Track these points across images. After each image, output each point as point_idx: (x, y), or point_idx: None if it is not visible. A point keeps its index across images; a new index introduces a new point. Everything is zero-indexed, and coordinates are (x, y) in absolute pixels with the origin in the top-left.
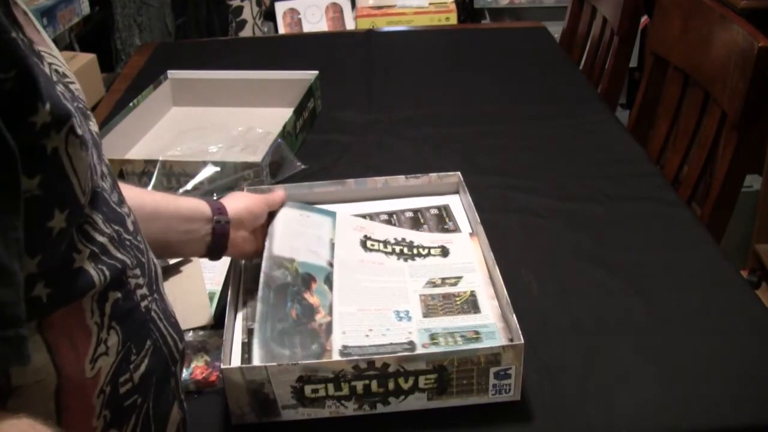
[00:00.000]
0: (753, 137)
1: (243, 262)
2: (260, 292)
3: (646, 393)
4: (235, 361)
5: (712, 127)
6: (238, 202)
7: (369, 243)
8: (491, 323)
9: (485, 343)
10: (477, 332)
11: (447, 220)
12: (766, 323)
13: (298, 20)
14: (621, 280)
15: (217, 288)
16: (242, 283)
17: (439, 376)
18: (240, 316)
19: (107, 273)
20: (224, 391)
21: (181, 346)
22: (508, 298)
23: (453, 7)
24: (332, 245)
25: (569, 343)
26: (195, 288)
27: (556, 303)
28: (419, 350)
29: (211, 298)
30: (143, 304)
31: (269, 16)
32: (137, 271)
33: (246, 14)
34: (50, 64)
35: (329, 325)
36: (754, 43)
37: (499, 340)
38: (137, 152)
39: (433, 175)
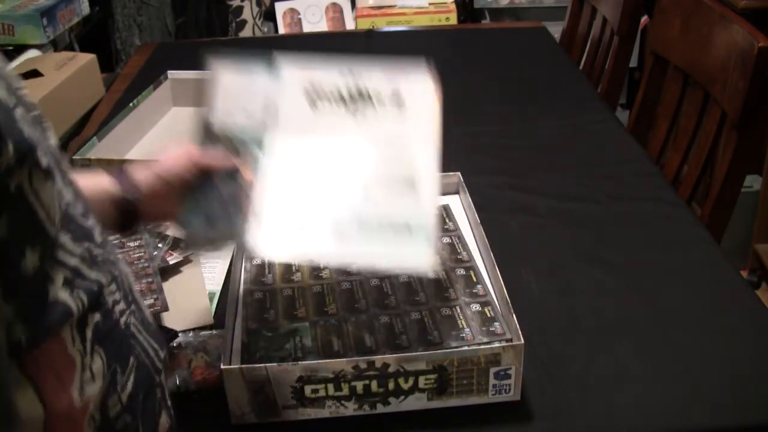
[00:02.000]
0: (753, 137)
1: (243, 263)
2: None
3: (646, 393)
4: (235, 361)
5: (712, 127)
6: (147, 173)
7: (315, 95)
8: (425, 213)
9: (413, 242)
10: (408, 225)
11: (447, 221)
12: (766, 323)
13: (298, 20)
14: (621, 280)
15: (217, 288)
16: (242, 283)
17: (439, 376)
18: (240, 316)
19: (84, 298)
20: (224, 391)
21: (162, 354)
22: (508, 298)
23: (453, 7)
24: (275, 109)
25: (569, 343)
26: (195, 288)
27: (556, 303)
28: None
29: (211, 298)
30: (122, 320)
31: (269, 16)
32: (113, 287)
33: (246, 14)
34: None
35: (259, 197)
36: (754, 43)
37: (425, 245)
38: (137, 152)
39: None
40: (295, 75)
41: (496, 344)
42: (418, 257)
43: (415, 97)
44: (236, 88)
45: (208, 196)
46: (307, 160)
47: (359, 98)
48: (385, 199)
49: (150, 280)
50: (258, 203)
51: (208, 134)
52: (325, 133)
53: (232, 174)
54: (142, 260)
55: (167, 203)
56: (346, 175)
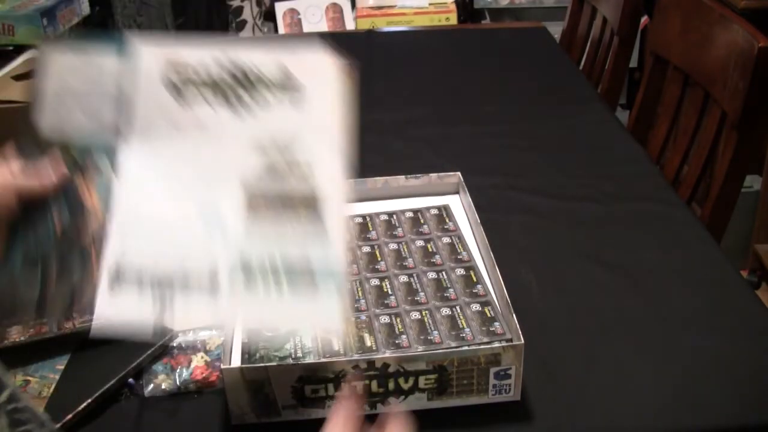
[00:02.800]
0: (753, 137)
1: None
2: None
3: (646, 393)
4: (235, 361)
5: (712, 127)
6: None
7: (181, 83)
8: (333, 255)
9: (321, 295)
10: (311, 272)
11: (447, 221)
12: (766, 323)
13: (298, 20)
14: (621, 280)
15: None
16: None
17: (439, 376)
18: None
19: None
20: (224, 391)
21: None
22: (508, 298)
23: (453, 7)
24: (130, 102)
25: (569, 343)
26: None
27: (556, 303)
28: (223, 294)
29: None
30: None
31: (269, 16)
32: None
33: (246, 14)
34: None
35: (105, 238)
36: (754, 43)
37: (336, 293)
38: None
39: (433, 175)
40: (153, 57)
41: (496, 344)
42: (324, 316)
43: (313, 80)
44: (73, 77)
45: (33, 237)
46: (171, 175)
47: (238, 85)
48: (276, 232)
49: None
50: (106, 243)
51: (35, 142)
52: (195, 136)
53: (69, 199)
54: None
55: None
56: (223, 197)
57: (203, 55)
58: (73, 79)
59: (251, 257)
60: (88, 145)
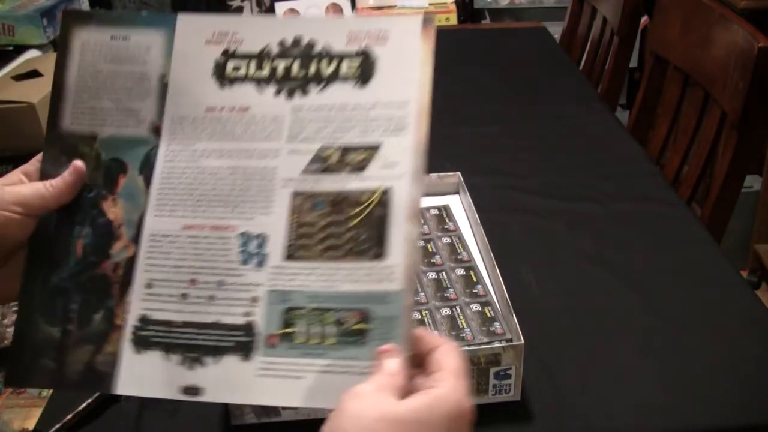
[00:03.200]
0: (753, 137)
1: None
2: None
3: (646, 393)
4: None
5: (712, 127)
6: None
7: (231, 66)
8: (397, 292)
9: (369, 346)
10: (365, 317)
11: (447, 221)
12: (766, 323)
13: None
14: (621, 280)
15: None
16: None
17: None
18: None
19: None
20: None
21: None
22: (508, 298)
23: (453, 7)
24: (164, 86)
25: (569, 343)
26: None
27: (556, 303)
28: (258, 352)
29: None
30: None
31: None
32: None
33: (246, 14)
34: None
35: (130, 267)
36: (754, 43)
37: (399, 335)
38: None
39: (433, 175)
40: (196, 31)
41: (496, 344)
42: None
43: (387, 47)
44: (103, 59)
45: (52, 259)
46: (207, 182)
47: (294, 58)
48: (324, 257)
49: None
50: (131, 273)
51: (57, 142)
52: (234, 124)
53: (91, 213)
54: None
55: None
56: (263, 206)
57: (259, 28)
58: (103, 61)
59: (293, 297)
60: (117, 144)
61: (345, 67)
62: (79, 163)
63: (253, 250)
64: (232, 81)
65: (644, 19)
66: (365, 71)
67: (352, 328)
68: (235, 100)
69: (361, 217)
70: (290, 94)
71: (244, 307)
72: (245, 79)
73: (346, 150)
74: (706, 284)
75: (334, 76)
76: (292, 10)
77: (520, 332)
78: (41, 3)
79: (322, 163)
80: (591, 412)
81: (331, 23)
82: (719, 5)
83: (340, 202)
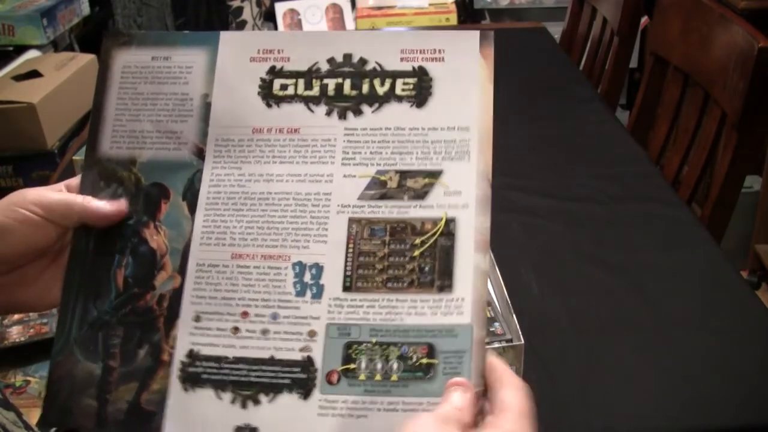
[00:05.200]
0: (753, 137)
1: None
2: (72, 241)
3: (646, 393)
4: None
5: (712, 127)
6: None
7: (278, 84)
8: (466, 325)
9: (438, 382)
10: (431, 350)
11: None
12: (766, 323)
13: (298, 21)
14: (621, 280)
15: None
16: None
17: None
18: None
19: None
20: None
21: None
22: (508, 298)
23: (453, 7)
24: (207, 106)
25: (569, 343)
26: None
27: (556, 303)
28: (318, 389)
29: None
30: None
31: (269, 16)
32: None
33: (246, 15)
34: None
35: (176, 299)
36: (754, 44)
37: (468, 369)
38: None
39: None
40: (240, 49)
41: (496, 344)
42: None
43: (445, 68)
44: (144, 81)
45: (91, 290)
46: (256, 207)
47: (353, 86)
48: (384, 289)
49: None
50: (177, 307)
51: (96, 167)
52: (283, 145)
53: (131, 241)
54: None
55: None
56: (317, 234)
57: (308, 46)
58: (144, 82)
59: (353, 331)
60: (158, 168)
61: (399, 86)
62: (124, 204)
63: (308, 280)
64: (280, 100)
65: (644, 19)
66: (422, 91)
67: (418, 363)
68: (283, 121)
69: (425, 246)
70: (342, 114)
71: (300, 341)
72: (294, 98)
73: (404, 175)
74: (706, 284)
75: (389, 96)
76: (292, 11)
77: (520, 332)
78: (41, 3)
79: (379, 189)
80: (591, 412)
81: (382, 39)
82: (719, 5)
83: (401, 230)
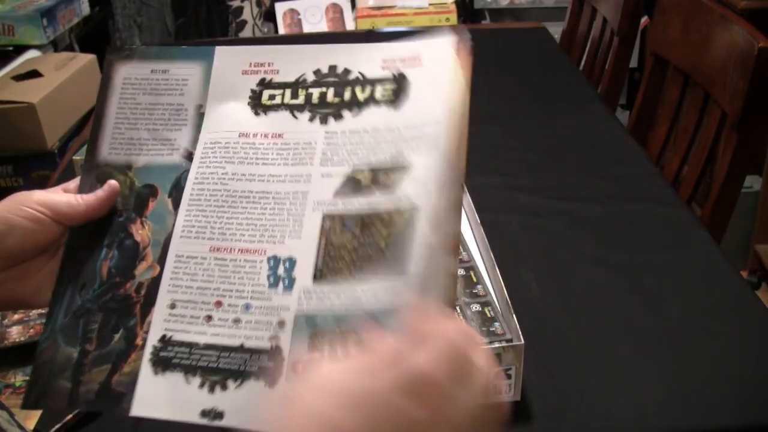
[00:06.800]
0: (753, 137)
1: None
2: (68, 238)
3: (646, 393)
4: None
5: (712, 127)
6: None
7: (267, 95)
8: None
9: None
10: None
11: None
12: (766, 323)
13: (298, 21)
14: (621, 280)
15: None
16: None
17: None
18: None
19: None
20: None
21: None
22: (508, 298)
23: (453, 7)
24: (200, 116)
25: (569, 343)
26: None
27: (556, 303)
28: (284, 379)
29: None
30: None
31: (269, 16)
32: None
33: (246, 15)
34: None
35: (154, 287)
36: (754, 44)
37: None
38: None
39: None
40: (233, 62)
41: (496, 344)
42: None
43: (420, 71)
44: (142, 91)
45: (79, 279)
46: (237, 206)
47: (336, 94)
48: (353, 279)
49: None
50: (154, 294)
51: (94, 171)
52: (267, 149)
53: (118, 234)
54: None
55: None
56: (294, 229)
57: (294, 58)
58: (143, 93)
59: (319, 321)
60: (151, 171)
61: (379, 91)
62: (113, 181)
63: (282, 273)
64: (267, 109)
65: (644, 19)
66: (398, 94)
67: None
68: (269, 127)
69: (390, 236)
70: (324, 119)
71: (270, 331)
72: (280, 106)
73: (377, 171)
74: (706, 284)
75: (368, 101)
76: (292, 11)
77: (520, 332)
78: (41, 3)
79: (353, 185)
80: (591, 412)
81: (365, 50)
82: (719, 5)
83: (370, 223)
